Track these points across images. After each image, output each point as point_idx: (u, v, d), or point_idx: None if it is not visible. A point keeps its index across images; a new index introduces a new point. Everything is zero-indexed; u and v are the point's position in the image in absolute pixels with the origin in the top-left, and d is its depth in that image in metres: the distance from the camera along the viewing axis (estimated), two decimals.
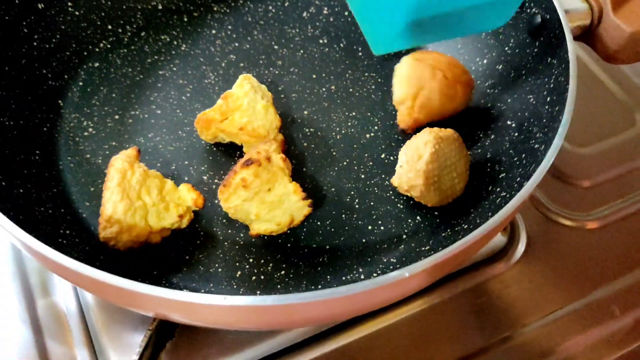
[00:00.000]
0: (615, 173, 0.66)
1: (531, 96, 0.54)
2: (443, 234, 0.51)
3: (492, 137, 0.56)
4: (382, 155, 0.57)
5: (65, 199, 0.53)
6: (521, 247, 0.60)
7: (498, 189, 0.51)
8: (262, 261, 0.51)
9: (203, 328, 0.53)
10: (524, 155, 0.51)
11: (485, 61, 0.60)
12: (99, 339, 0.52)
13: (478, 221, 0.49)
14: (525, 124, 0.53)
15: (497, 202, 0.49)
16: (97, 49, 0.63)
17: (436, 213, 0.54)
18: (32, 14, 0.58)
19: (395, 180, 0.53)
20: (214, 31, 0.66)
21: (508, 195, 0.48)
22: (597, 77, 0.74)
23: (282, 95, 0.61)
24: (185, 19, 0.66)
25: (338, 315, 0.42)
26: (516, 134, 0.54)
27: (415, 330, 0.55)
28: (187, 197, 0.50)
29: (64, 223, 0.50)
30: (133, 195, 0.48)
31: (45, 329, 0.54)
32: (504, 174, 0.52)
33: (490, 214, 0.48)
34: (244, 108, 0.52)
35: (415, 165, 0.51)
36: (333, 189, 0.55)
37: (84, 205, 0.53)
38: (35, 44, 0.58)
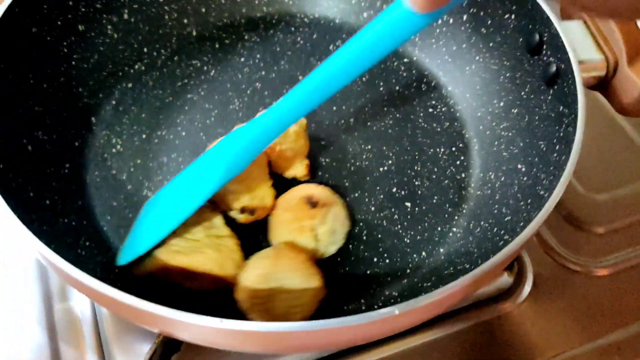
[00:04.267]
0: (629, 221, 0.66)
1: (542, 142, 0.55)
2: (446, 272, 0.52)
3: (502, 179, 0.57)
4: (394, 190, 0.59)
5: (88, 212, 0.56)
6: (527, 288, 0.61)
7: (502, 232, 0.52)
8: None
9: None
10: (529, 200, 0.52)
11: (501, 103, 0.62)
12: (110, 347, 0.55)
13: (479, 262, 0.50)
14: (534, 169, 0.54)
15: (500, 244, 0.50)
16: (131, 71, 0.66)
17: (441, 250, 0.55)
18: (73, 35, 0.62)
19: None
20: (242, 59, 0.69)
21: (510, 239, 0.49)
22: (619, 123, 0.74)
23: None
24: (217, 46, 0.70)
25: (329, 344, 0.44)
26: (525, 179, 0.55)
27: None
28: None
29: (85, 235, 0.53)
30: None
31: (59, 333, 0.57)
32: (509, 217, 0.53)
33: (492, 255, 0.49)
34: None
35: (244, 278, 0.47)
36: None
37: (105, 218, 0.56)
38: (73, 63, 0.62)
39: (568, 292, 0.61)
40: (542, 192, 0.50)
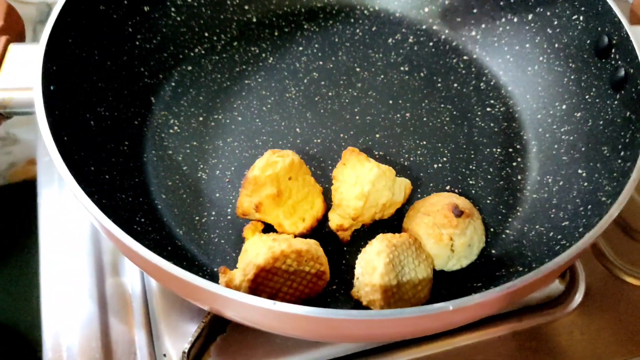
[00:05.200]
0: None
1: (605, 148, 0.53)
2: (497, 273, 0.51)
3: (561, 183, 0.56)
4: (447, 187, 0.58)
5: (145, 190, 0.57)
6: (578, 297, 0.60)
7: (559, 237, 0.51)
8: None
9: (253, 328, 0.55)
10: (589, 206, 0.50)
11: (564, 106, 0.60)
12: (158, 324, 0.56)
13: (534, 265, 0.49)
14: (596, 175, 0.53)
15: (556, 249, 0.49)
16: (192, 54, 0.67)
17: (493, 252, 0.54)
18: (138, 15, 0.63)
19: (354, 293, 0.49)
20: (301, 48, 0.69)
21: (567, 244, 0.48)
22: None
23: (357, 117, 0.63)
24: (276, 34, 0.70)
25: (381, 336, 0.44)
26: (585, 184, 0.53)
27: None
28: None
29: (140, 212, 0.54)
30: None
31: (110, 307, 0.58)
32: (567, 222, 0.51)
33: (547, 260, 0.48)
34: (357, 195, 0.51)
35: (370, 279, 0.46)
36: (394, 215, 0.56)
37: (160, 197, 0.57)
38: (137, 43, 0.63)
39: (621, 304, 0.60)
40: (604, 199, 0.49)
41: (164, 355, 0.55)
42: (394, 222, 0.55)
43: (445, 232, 0.50)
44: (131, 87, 0.62)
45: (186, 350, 0.51)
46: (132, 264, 0.60)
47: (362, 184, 0.51)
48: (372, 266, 0.47)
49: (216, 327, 0.55)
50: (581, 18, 0.60)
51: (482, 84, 0.66)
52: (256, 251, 0.47)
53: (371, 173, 0.51)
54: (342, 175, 0.52)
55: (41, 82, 0.49)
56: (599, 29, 0.57)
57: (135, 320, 0.57)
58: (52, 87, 0.50)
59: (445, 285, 0.52)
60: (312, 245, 0.48)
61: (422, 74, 0.67)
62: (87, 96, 0.56)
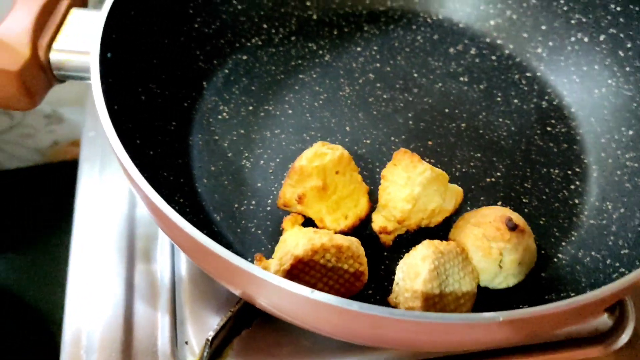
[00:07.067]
0: None
1: None
2: (546, 297, 0.48)
3: (622, 211, 0.52)
4: (499, 203, 0.55)
5: (187, 172, 0.55)
6: (625, 337, 0.55)
7: (617, 264, 0.47)
8: None
9: (280, 326, 0.53)
10: None
11: (631, 132, 0.57)
12: (183, 311, 0.54)
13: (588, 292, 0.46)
14: None
15: (614, 277, 0.46)
16: (248, 44, 0.66)
17: (543, 274, 0.51)
18: None
19: (392, 299, 0.46)
20: (359, 49, 0.67)
21: (627, 273, 0.44)
22: None
23: (411, 122, 0.61)
24: (335, 32, 0.69)
25: (415, 343, 0.41)
26: None
27: None
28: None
29: (180, 192, 0.53)
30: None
31: (137, 290, 0.57)
32: (627, 251, 0.48)
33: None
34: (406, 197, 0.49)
35: (412, 284, 0.43)
36: (440, 225, 0.53)
37: (201, 181, 0.55)
38: (196, 26, 0.62)
39: None
40: None
41: (186, 342, 0.53)
42: (439, 233, 0.53)
43: (495, 245, 0.47)
44: (185, 69, 0.61)
45: (210, 338, 0.49)
46: (163, 252, 0.59)
47: (413, 185, 0.48)
48: (415, 271, 0.44)
49: (242, 320, 0.53)
50: None
51: (544, 103, 0.63)
52: (295, 242, 0.45)
53: (423, 176, 0.48)
54: (392, 175, 0.50)
55: (99, 47, 0.48)
56: None
57: (160, 305, 0.56)
58: (109, 55, 0.49)
59: (488, 303, 0.49)
60: (353, 243, 0.46)
61: (481, 87, 0.64)
62: (142, 70, 0.55)
